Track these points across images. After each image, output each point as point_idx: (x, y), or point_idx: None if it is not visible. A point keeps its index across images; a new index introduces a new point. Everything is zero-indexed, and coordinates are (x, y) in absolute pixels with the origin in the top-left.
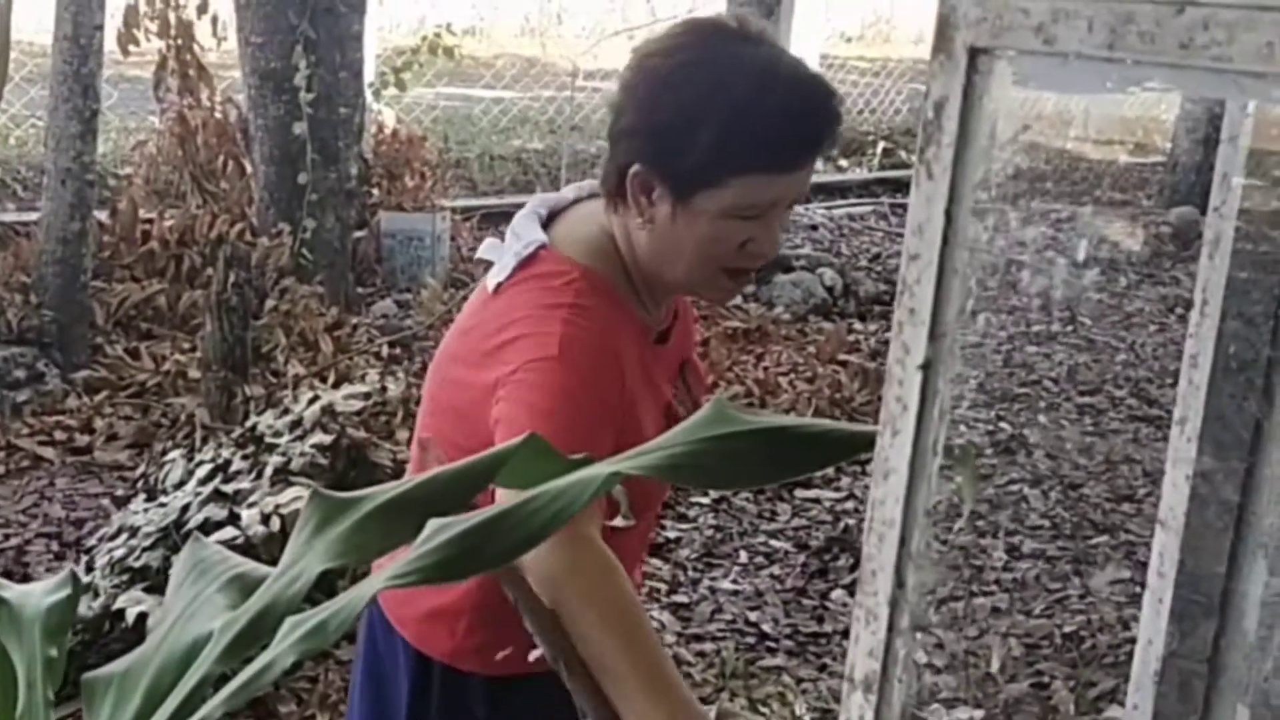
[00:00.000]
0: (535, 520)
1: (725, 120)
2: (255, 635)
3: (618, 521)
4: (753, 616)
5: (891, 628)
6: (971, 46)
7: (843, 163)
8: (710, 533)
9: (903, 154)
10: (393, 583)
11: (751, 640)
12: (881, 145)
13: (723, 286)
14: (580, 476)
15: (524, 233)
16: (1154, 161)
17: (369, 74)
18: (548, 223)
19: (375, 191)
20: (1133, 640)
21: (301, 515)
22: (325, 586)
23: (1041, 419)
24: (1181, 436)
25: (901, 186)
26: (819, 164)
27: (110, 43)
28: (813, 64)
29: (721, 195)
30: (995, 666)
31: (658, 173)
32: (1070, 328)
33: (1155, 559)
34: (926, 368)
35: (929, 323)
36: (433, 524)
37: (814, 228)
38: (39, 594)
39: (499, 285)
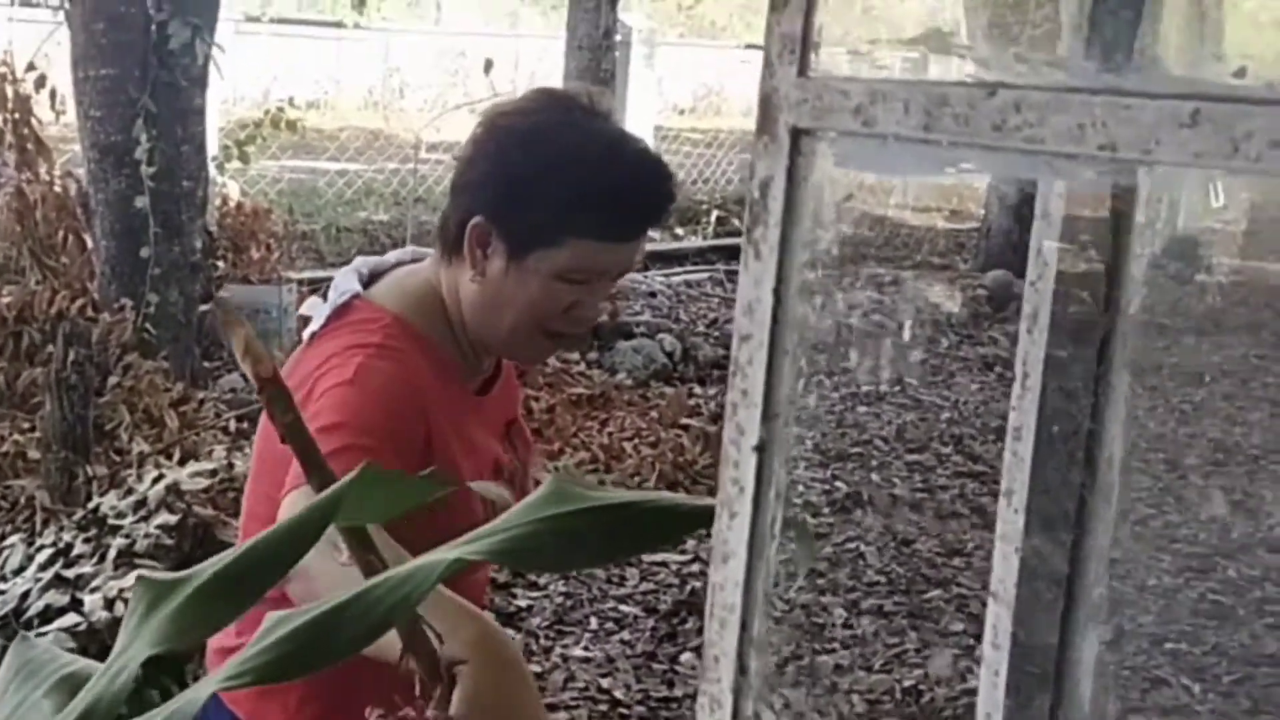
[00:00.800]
0: (379, 609)
1: (571, 184)
2: None
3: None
4: (605, 683)
5: (736, 715)
6: (794, 127)
7: (679, 231)
8: (560, 600)
9: (735, 221)
10: (227, 684)
11: (604, 708)
12: (715, 214)
13: (540, 347)
14: (423, 562)
15: (341, 285)
16: (969, 227)
17: (212, 147)
18: (369, 282)
19: (220, 264)
20: (970, 693)
21: (130, 602)
22: (174, 672)
23: (874, 476)
24: (1009, 509)
25: (735, 253)
26: (656, 233)
27: None
28: (648, 135)
29: (556, 256)
30: None
31: (498, 226)
32: (897, 388)
33: (989, 631)
34: (761, 449)
35: (762, 405)
36: (270, 618)
37: (653, 294)
38: None
39: (312, 335)
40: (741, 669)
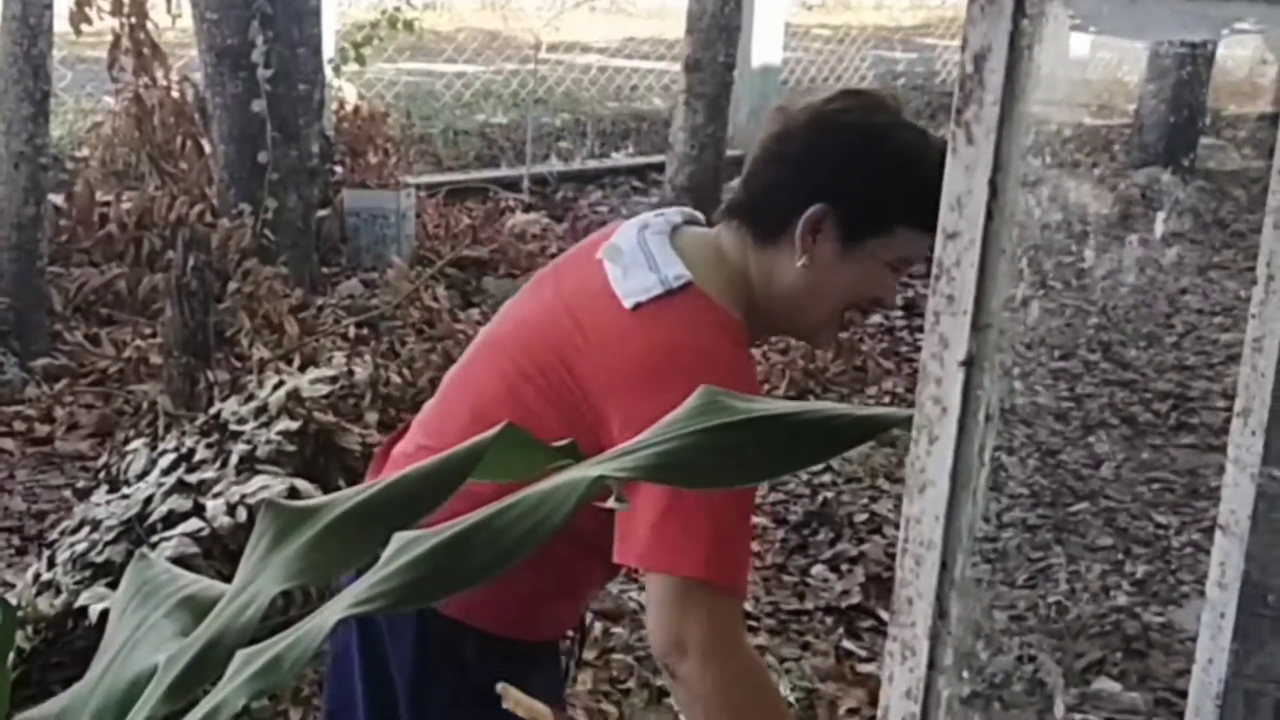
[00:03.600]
0: (515, 531)
1: (909, 177)
2: (202, 672)
3: (610, 503)
4: None
5: (932, 665)
6: None
7: None
8: None
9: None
10: (355, 609)
11: None
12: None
13: (836, 331)
14: (564, 481)
15: (661, 258)
16: (1119, 123)
17: (328, 50)
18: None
19: (338, 169)
20: (1118, 610)
21: (255, 529)
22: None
23: (1017, 384)
24: (1245, 430)
25: None
26: None
27: (62, 22)
28: (778, 32)
29: (890, 244)
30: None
31: (837, 214)
32: (1041, 291)
33: (1215, 569)
34: (969, 364)
35: (972, 312)
36: (398, 539)
37: None
38: None
39: (638, 304)
40: (941, 613)
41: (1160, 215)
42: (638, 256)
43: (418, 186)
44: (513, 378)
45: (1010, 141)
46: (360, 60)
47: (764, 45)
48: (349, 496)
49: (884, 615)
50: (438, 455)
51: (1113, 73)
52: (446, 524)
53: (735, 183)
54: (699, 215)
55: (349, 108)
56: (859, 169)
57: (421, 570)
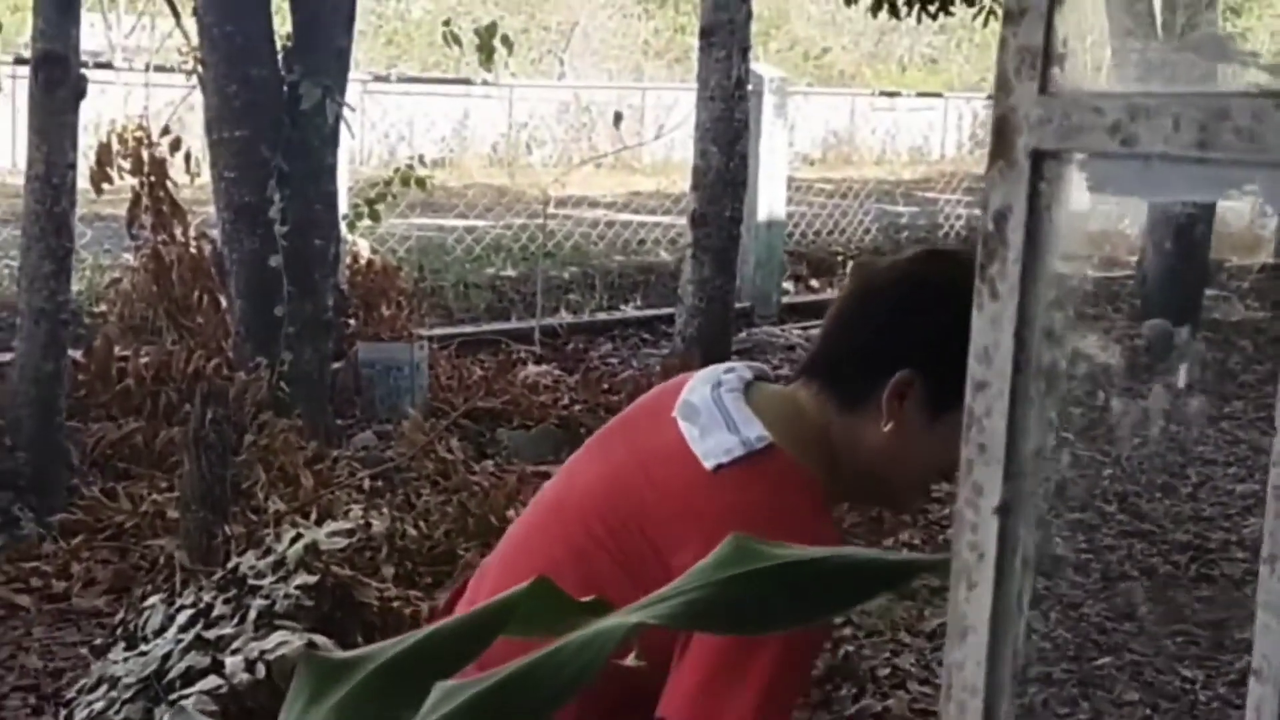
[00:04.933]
0: (559, 678)
1: None
2: None
3: (629, 661)
4: None
5: None
6: (1035, 150)
7: (814, 283)
8: None
9: (874, 260)
10: None
11: None
12: (850, 265)
13: (922, 499)
14: (602, 627)
15: (739, 418)
16: (1121, 275)
17: (343, 206)
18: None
19: (352, 322)
20: None
21: (293, 684)
22: None
23: (1035, 535)
24: (1272, 577)
25: None
26: (790, 285)
27: (83, 181)
28: (781, 187)
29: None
30: None
31: (927, 380)
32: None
33: (1251, 714)
34: (1004, 512)
35: (1004, 461)
36: (439, 689)
37: (791, 347)
38: None
39: (720, 466)
40: None
41: (1183, 368)
42: (714, 416)
43: (430, 339)
44: (581, 542)
45: (1033, 296)
46: (374, 216)
47: (768, 199)
48: (385, 649)
49: None
50: (474, 609)
51: (1114, 224)
52: (487, 673)
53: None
54: (768, 370)
55: (362, 262)
56: (949, 334)
57: (466, 719)
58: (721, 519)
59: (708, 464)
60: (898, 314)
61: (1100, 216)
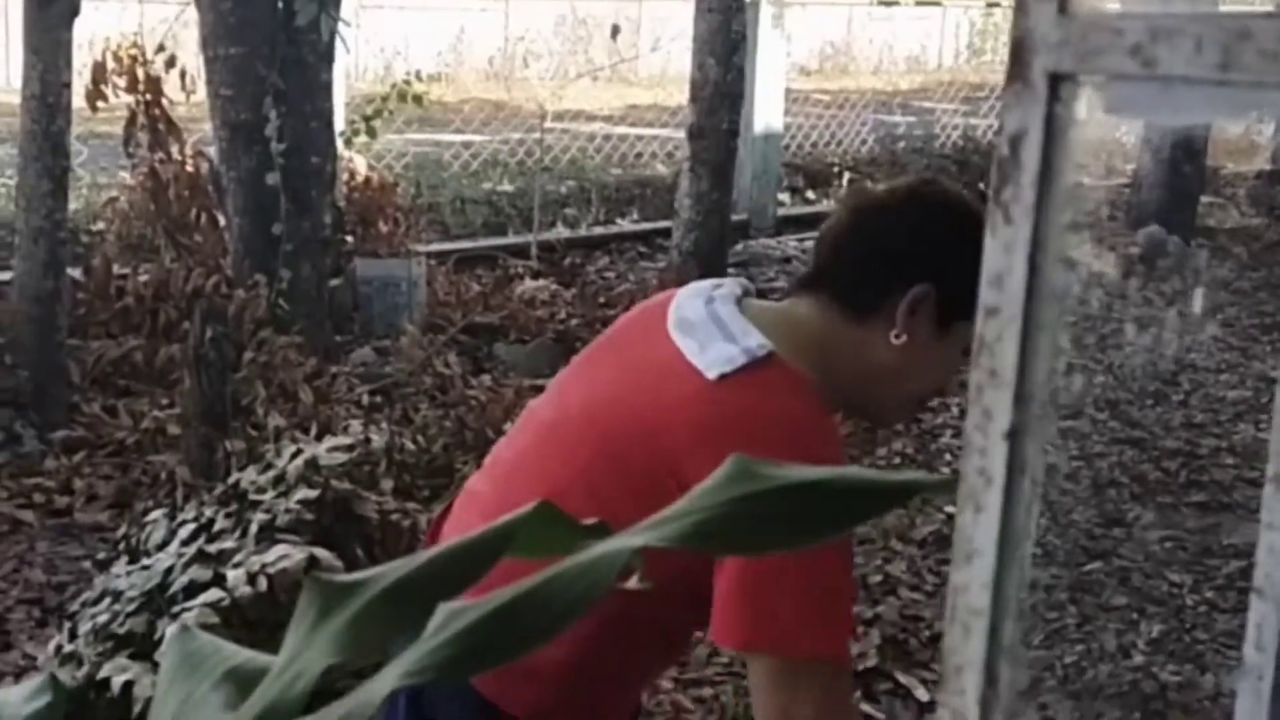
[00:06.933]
0: (561, 601)
1: None
2: None
3: (631, 584)
4: None
5: None
6: (1053, 72)
7: (810, 194)
8: None
9: (868, 184)
10: (404, 680)
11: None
12: (847, 176)
13: (911, 414)
14: (605, 549)
15: (737, 329)
16: (1117, 183)
17: (339, 122)
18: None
19: (349, 239)
20: (1135, 669)
21: (300, 604)
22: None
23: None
24: (1277, 494)
25: None
26: (786, 197)
27: (79, 99)
28: (779, 98)
29: (970, 329)
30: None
31: (940, 295)
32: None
33: (1252, 631)
34: (1013, 436)
35: (1014, 386)
36: (444, 610)
37: (787, 260)
38: (17, 701)
39: (723, 375)
40: (990, 680)
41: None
42: (711, 328)
43: (427, 255)
44: (585, 464)
45: (1047, 220)
46: (370, 133)
47: (765, 112)
48: (390, 571)
49: (901, 678)
50: (475, 531)
51: (1110, 133)
52: (492, 594)
53: (807, 252)
54: (752, 287)
55: (359, 179)
56: (961, 250)
57: (471, 640)
58: (730, 426)
59: (710, 374)
60: (913, 229)
61: (1097, 125)
